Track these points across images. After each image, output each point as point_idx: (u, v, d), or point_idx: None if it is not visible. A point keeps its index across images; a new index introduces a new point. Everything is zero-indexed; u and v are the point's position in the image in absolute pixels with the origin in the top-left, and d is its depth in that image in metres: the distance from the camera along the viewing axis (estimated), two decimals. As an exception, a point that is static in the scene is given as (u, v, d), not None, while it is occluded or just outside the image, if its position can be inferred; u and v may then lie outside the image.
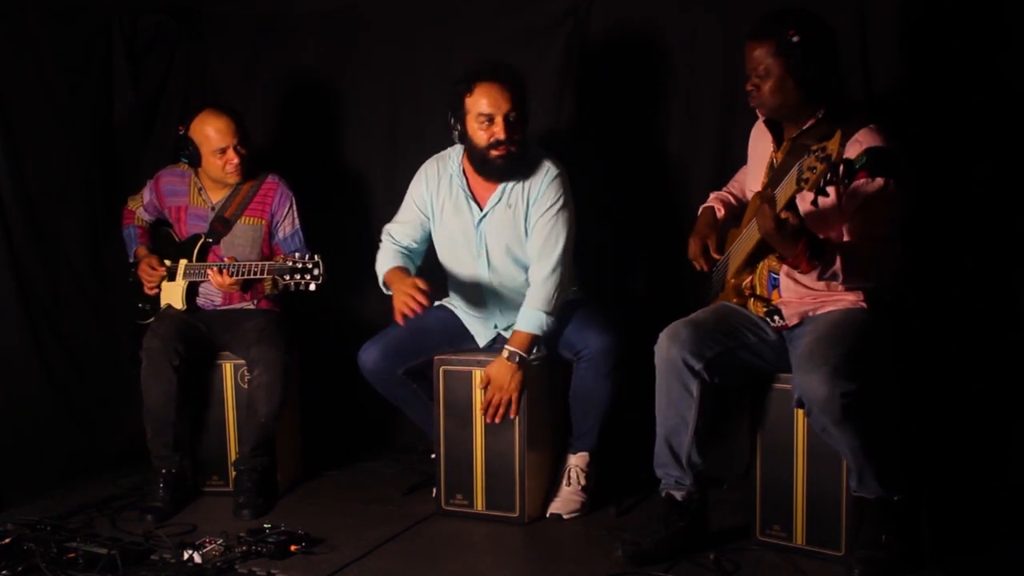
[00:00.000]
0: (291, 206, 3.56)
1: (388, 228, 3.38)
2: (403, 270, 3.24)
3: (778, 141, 2.86)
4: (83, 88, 3.94)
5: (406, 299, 3.07)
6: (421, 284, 3.08)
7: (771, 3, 2.87)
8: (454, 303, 3.42)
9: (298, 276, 3.25)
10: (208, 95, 4.15)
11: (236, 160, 3.43)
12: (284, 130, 4.10)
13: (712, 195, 3.16)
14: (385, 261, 3.30)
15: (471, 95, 3.11)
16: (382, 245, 3.37)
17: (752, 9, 2.97)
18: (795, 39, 2.64)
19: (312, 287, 3.25)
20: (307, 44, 4.08)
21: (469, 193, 3.26)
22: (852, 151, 2.53)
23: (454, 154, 3.31)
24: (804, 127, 2.75)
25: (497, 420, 3.12)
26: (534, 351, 3.15)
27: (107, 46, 4.01)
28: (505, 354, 3.11)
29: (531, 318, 3.15)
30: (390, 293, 3.20)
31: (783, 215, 2.46)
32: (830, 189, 2.38)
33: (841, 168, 2.30)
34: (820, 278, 2.59)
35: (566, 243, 3.20)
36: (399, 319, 3.11)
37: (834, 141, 2.31)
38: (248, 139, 3.48)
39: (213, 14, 4.18)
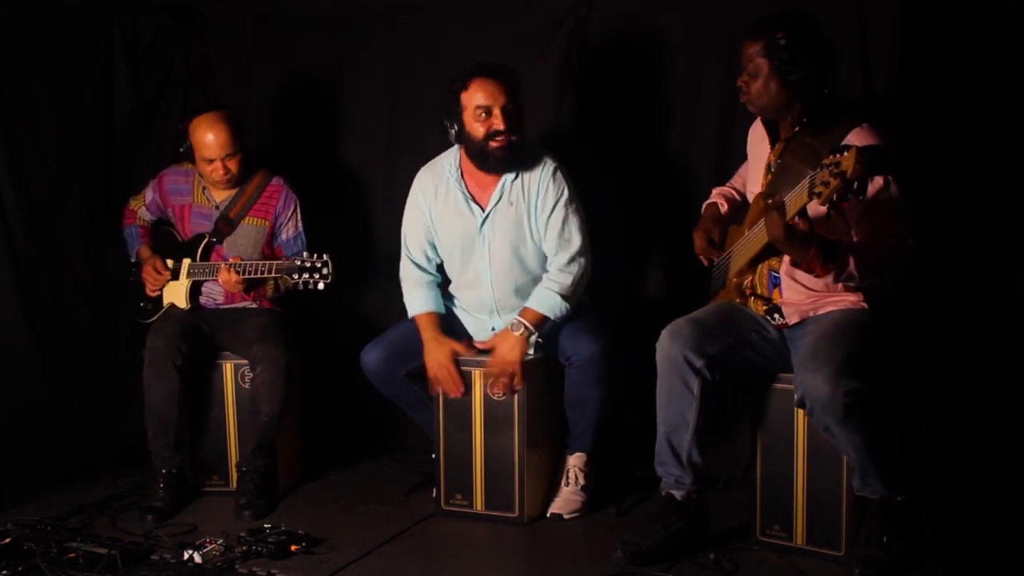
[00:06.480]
0: (295, 209, 3.58)
1: (405, 240, 3.39)
2: (435, 318, 3.27)
3: (773, 141, 2.86)
4: (83, 88, 3.95)
5: (445, 382, 3.14)
6: (460, 353, 3.17)
7: (770, 2, 2.87)
8: (454, 304, 3.42)
9: (307, 275, 3.26)
10: (208, 95, 4.15)
11: (221, 171, 3.43)
12: (284, 130, 4.10)
13: (715, 191, 3.16)
14: (414, 301, 3.33)
15: (467, 91, 3.13)
16: (403, 264, 3.39)
17: (752, 9, 2.97)
18: (783, 42, 2.65)
19: (321, 286, 3.27)
20: (307, 44, 4.08)
21: (468, 195, 3.26)
22: None
23: (449, 158, 3.31)
24: (796, 128, 2.75)
25: (501, 392, 3.11)
26: (540, 334, 3.15)
27: (107, 46, 4.02)
28: (512, 324, 3.12)
29: (545, 299, 3.16)
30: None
31: (792, 221, 2.46)
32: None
33: (855, 185, 2.31)
34: (836, 280, 2.59)
35: (582, 233, 3.21)
36: (446, 391, 3.18)
37: (849, 157, 2.30)
38: (244, 147, 3.46)
39: (213, 14, 4.18)
